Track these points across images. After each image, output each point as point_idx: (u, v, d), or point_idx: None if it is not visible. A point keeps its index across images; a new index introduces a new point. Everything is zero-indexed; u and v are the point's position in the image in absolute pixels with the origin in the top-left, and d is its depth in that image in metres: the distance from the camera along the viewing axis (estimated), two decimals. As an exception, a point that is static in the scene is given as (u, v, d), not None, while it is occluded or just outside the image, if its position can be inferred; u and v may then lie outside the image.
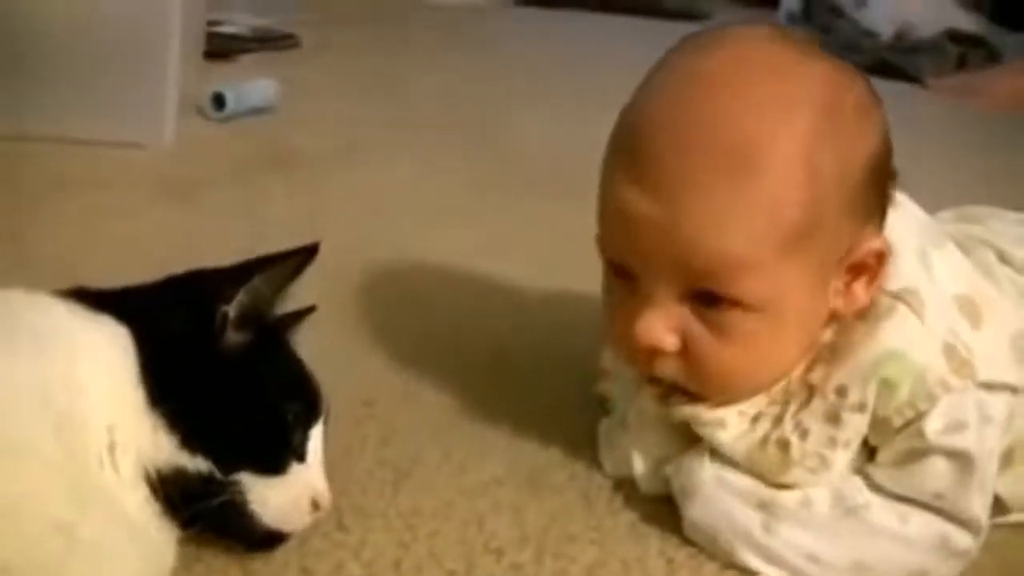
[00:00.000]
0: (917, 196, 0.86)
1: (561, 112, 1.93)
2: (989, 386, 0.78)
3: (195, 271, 0.76)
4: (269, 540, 0.73)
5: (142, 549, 0.67)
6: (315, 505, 0.74)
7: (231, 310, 0.72)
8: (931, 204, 0.90)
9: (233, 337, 0.73)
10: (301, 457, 0.74)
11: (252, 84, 1.80)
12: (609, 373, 0.93)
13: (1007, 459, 0.81)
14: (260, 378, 0.73)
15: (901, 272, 0.78)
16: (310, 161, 1.61)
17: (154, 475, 0.67)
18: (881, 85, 0.80)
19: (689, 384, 0.79)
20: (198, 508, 0.68)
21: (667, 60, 0.77)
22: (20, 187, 1.38)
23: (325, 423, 0.78)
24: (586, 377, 0.97)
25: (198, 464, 0.68)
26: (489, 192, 1.50)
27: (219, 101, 1.73)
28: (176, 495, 0.68)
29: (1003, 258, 0.90)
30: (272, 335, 0.77)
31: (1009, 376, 0.79)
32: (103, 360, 0.68)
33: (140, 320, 0.71)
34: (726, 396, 0.79)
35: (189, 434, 0.68)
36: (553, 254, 1.26)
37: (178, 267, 0.79)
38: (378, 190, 1.51)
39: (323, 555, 0.76)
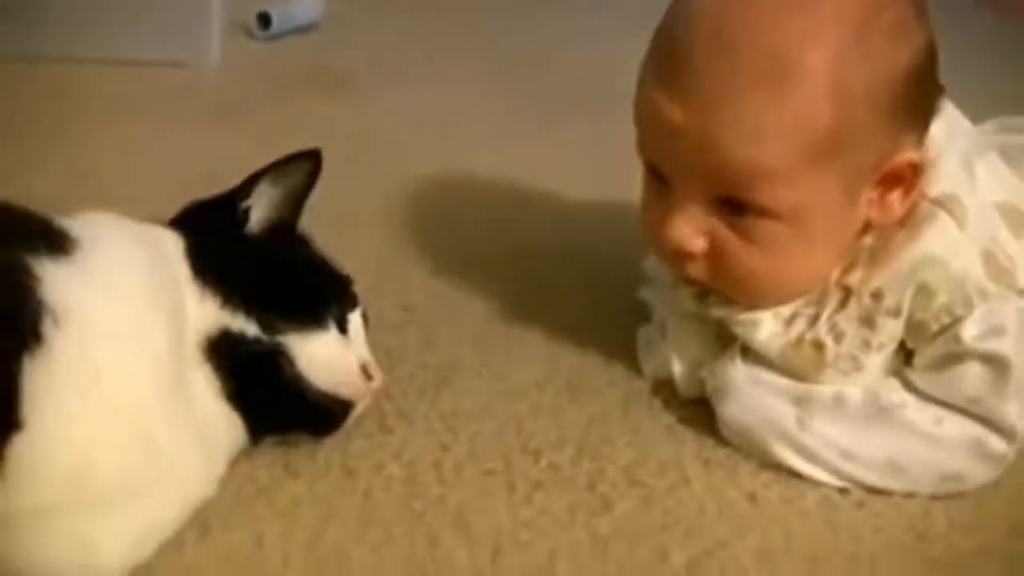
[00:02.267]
0: (960, 107, 0.85)
1: (604, 30, 1.91)
2: (1029, 294, 0.78)
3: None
4: (331, 413, 0.75)
5: (208, 451, 0.70)
6: (367, 375, 0.77)
7: (250, 203, 0.79)
8: (975, 115, 0.89)
9: (257, 226, 0.80)
10: (343, 329, 0.78)
11: (297, 2, 1.80)
12: (650, 279, 0.94)
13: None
14: (287, 255, 0.80)
15: (942, 178, 0.78)
16: (354, 80, 1.60)
17: (205, 343, 0.71)
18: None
19: (719, 287, 0.80)
20: (246, 365, 0.72)
21: None
22: (62, 108, 1.38)
23: (365, 321, 0.81)
24: (624, 284, 0.98)
25: (241, 324, 0.73)
26: (531, 111, 1.49)
27: (264, 20, 1.73)
28: (227, 361, 0.71)
29: (1047, 168, 0.89)
30: (299, 239, 0.83)
31: (1050, 285, 0.78)
32: (174, 249, 0.75)
33: (179, 224, 0.79)
34: (754, 301, 0.79)
35: (228, 295, 0.73)
36: (592, 169, 1.25)
37: (221, 186, 0.81)
38: (421, 108, 1.51)
39: (365, 455, 0.78)
